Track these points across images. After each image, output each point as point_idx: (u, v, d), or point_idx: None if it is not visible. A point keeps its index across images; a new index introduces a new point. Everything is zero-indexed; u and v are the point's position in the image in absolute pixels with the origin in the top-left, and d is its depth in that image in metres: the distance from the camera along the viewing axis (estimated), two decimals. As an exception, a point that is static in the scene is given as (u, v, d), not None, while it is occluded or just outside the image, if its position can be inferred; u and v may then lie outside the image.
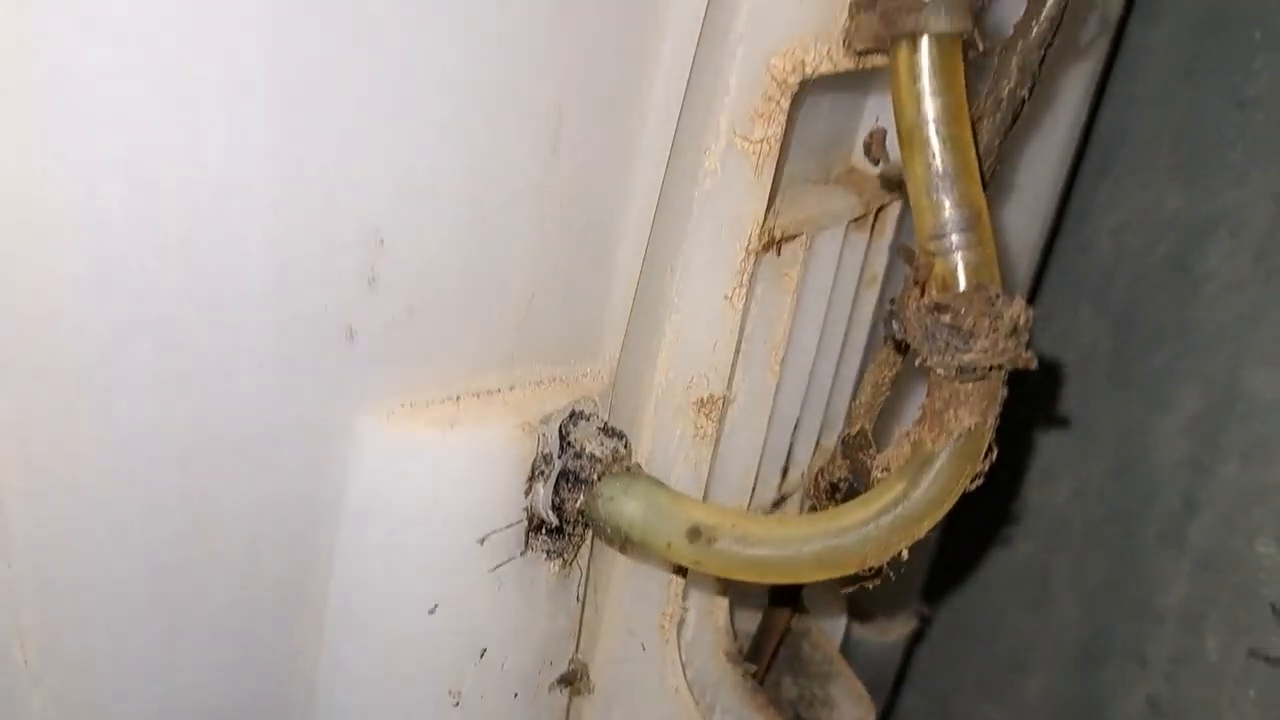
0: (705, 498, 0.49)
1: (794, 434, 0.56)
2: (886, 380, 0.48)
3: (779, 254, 0.48)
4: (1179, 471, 0.68)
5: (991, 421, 0.38)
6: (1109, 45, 0.67)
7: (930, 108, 0.37)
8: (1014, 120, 0.43)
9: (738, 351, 0.47)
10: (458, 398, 0.41)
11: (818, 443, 0.60)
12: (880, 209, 0.54)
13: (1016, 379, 0.38)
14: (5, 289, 0.31)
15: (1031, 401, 0.81)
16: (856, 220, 0.52)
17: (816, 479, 0.49)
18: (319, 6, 0.32)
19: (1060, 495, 0.79)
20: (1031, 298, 0.75)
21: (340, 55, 0.33)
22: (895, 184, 0.47)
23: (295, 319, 0.36)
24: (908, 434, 0.39)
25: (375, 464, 0.39)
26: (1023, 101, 0.42)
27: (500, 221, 0.39)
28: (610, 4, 0.38)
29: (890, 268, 0.58)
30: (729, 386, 0.47)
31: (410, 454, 0.39)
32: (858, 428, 0.48)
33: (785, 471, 0.57)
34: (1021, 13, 0.42)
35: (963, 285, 0.37)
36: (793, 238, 0.48)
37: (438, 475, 0.39)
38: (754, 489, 0.53)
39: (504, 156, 0.38)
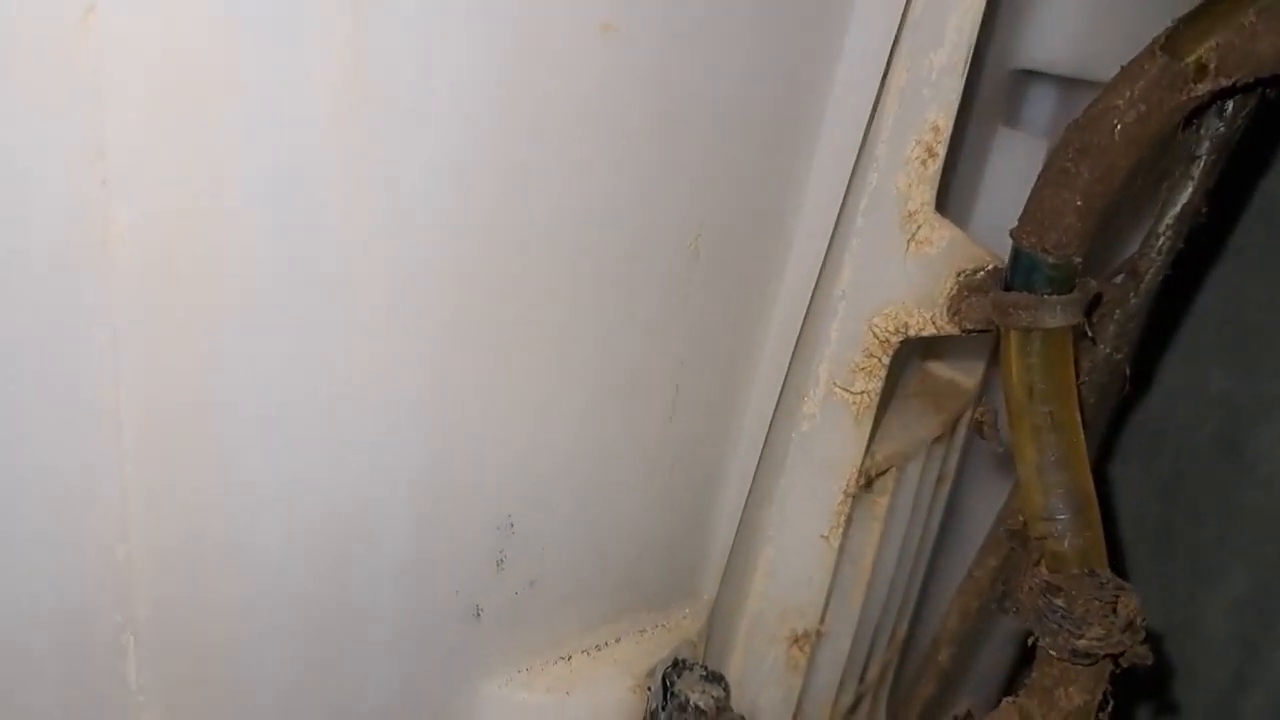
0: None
1: (873, 640, 0.57)
2: (972, 611, 0.50)
3: (871, 489, 0.49)
4: (1229, 649, 0.69)
5: (1098, 699, 0.39)
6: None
7: (1042, 395, 0.39)
8: (1120, 386, 0.44)
9: (832, 587, 0.48)
10: (570, 657, 0.42)
11: (893, 634, 0.60)
12: (955, 422, 0.55)
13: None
14: (175, 610, 0.32)
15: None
16: (938, 438, 0.54)
17: None
18: (472, 328, 0.33)
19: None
20: (1101, 458, 0.77)
21: (488, 365, 0.34)
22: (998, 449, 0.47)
23: (430, 607, 0.37)
24: (1015, 703, 0.40)
25: (497, 732, 0.40)
26: (1120, 365, 0.43)
27: (616, 493, 0.40)
28: (730, 285, 0.40)
29: (963, 463, 0.59)
30: (822, 621, 0.48)
31: (532, 718, 0.40)
32: (940, 654, 0.48)
33: (863, 676, 0.57)
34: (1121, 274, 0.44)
35: (1075, 569, 0.38)
36: (884, 471, 0.49)
37: (558, 742, 0.40)
38: (838, 697, 0.54)
39: (624, 436, 0.39)
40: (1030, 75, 0.53)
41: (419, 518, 0.35)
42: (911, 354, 0.55)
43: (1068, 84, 0.53)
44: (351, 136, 0.28)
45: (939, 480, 0.57)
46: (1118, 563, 0.77)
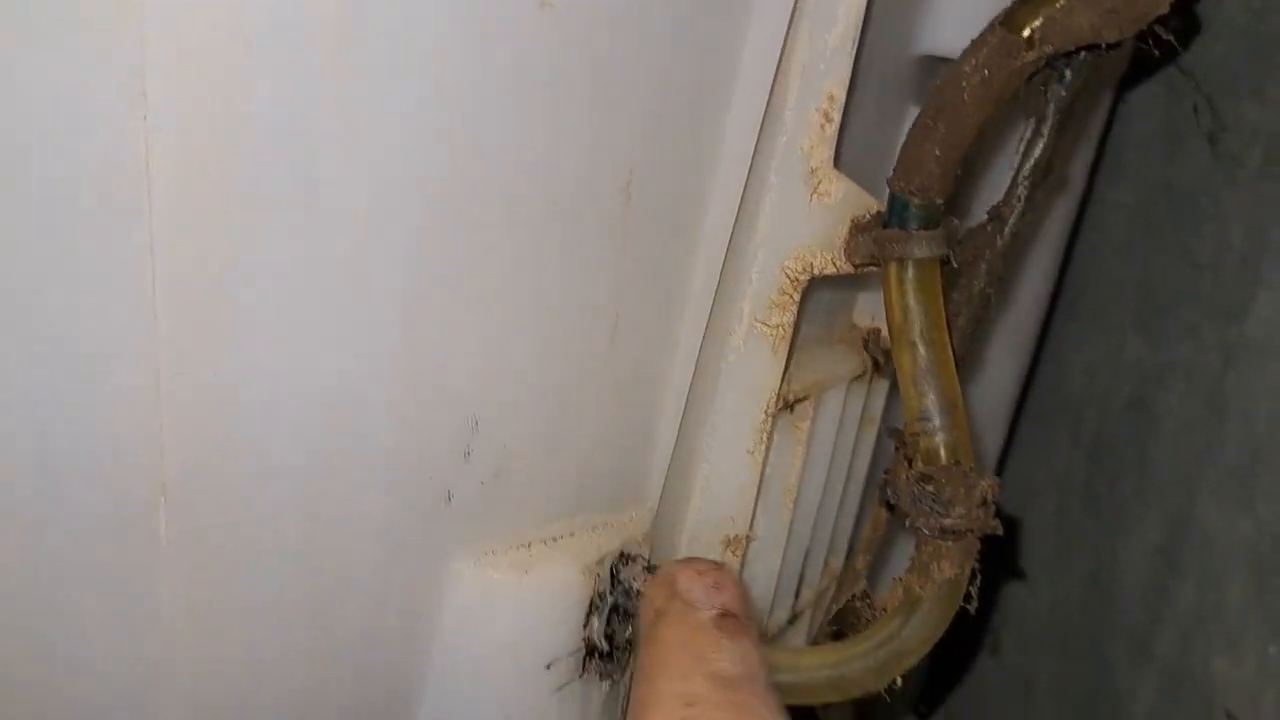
0: (729, 621, 0.57)
1: (805, 559, 0.64)
2: (883, 519, 0.57)
3: (791, 412, 0.56)
4: (1145, 592, 0.76)
5: (968, 573, 0.46)
6: (1077, 203, 0.77)
7: (916, 316, 0.46)
8: (985, 311, 0.52)
9: (758, 497, 0.55)
10: (530, 544, 0.49)
11: (825, 563, 0.68)
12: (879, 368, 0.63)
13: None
14: (199, 476, 0.40)
15: (1014, 518, 0.89)
16: (858, 376, 0.61)
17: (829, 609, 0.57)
18: (439, 245, 0.41)
19: (1042, 606, 0.87)
20: (1013, 427, 0.84)
21: (453, 280, 0.42)
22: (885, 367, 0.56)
23: (406, 486, 0.44)
24: (899, 580, 0.48)
25: (464, 603, 0.47)
26: (989, 297, 0.51)
27: (567, 402, 0.48)
28: (659, 228, 0.48)
29: (887, 409, 0.67)
30: (750, 527, 0.56)
31: (493, 594, 0.47)
32: (858, 560, 0.56)
33: (799, 591, 0.65)
34: (989, 221, 0.52)
35: (943, 461, 0.46)
36: (803, 399, 0.57)
37: (515, 612, 0.48)
38: (771, 610, 0.61)
39: (573, 352, 0.47)
40: (936, 61, 0.61)
41: (397, 408, 0.43)
42: (841, 307, 0.63)
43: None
44: (341, 73, 0.36)
45: (865, 421, 0.65)
46: (1049, 523, 0.85)
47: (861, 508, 0.69)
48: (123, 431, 0.39)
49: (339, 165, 0.37)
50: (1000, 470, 0.88)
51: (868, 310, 0.64)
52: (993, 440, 0.79)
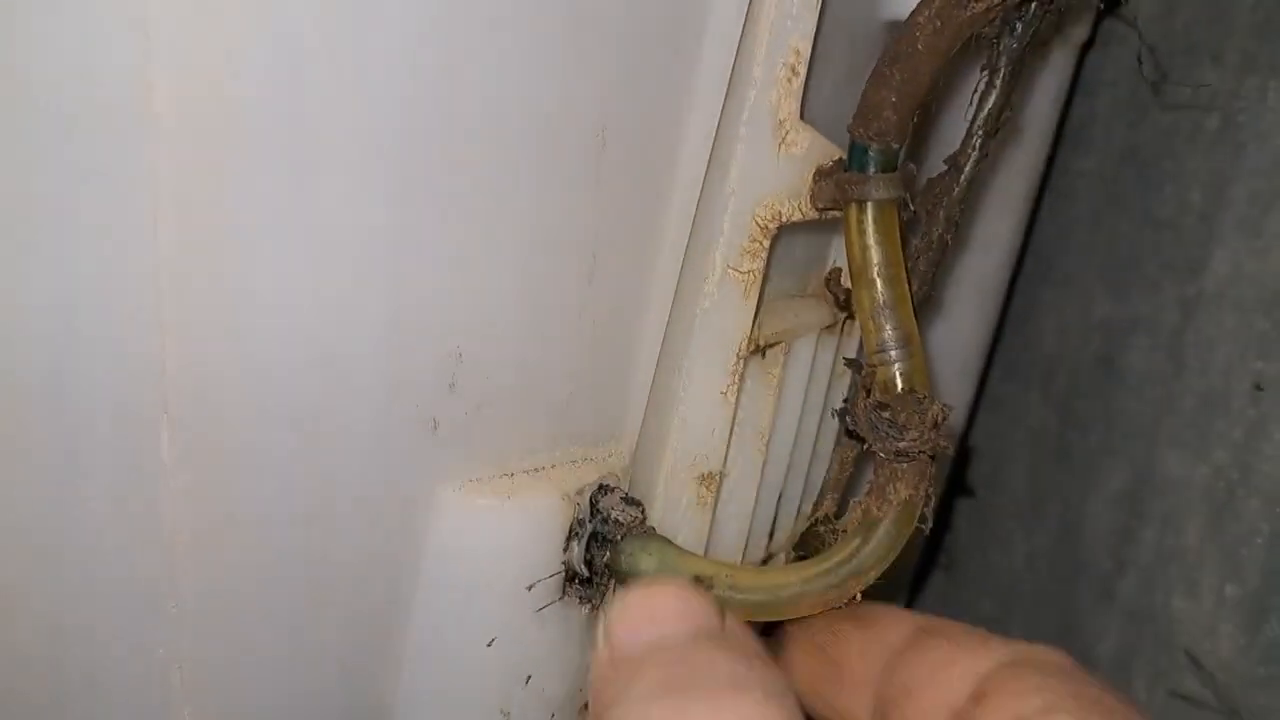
0: (705, 555, 0.60)
1: (778, 504, 0.67)
2: (849, 459, 0.60)
3: (764, 357, 0.59)
4: (1110, 538, 0.79)
5: (923, 493, 0.49)
6: (1043, 169, 0.80)
7: (874, 255, 0.49)
8: (943, 255, 0.55)
9: (731, 436, 0.58)
10: (513, 474, 0.52)
11: (799, 510, 0.71)
12: (848, 317, 0.66)
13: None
14: (200, 397, 0.43)
15: (990, 473, 0.92)
16: (829, 327, 0.64)
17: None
18: (423, 183, 0.44)
19: (1015, 559, 0.90)
20: (983, 382, 0.87)
21: (436, 216, 0.45)
22: (847, 306, 0.59)
23: (395, 414, 0.47)
24: (859, 503, 0.51)
25: (450, 526, 0.50)
26: (947, 242, 0.54)
27: (548, 337, 0.51)
28: (633, 174, 0.51)
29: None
30: (724, 464, 0.59)
31: (477, 518, 0.50)
32: (825, 500, 0.59)
33: (772, 535, 0.68)
34: (947, 171, 0.55)
35: (899, 389, 0.49)
36: (775, 344, 0.60)
37: (498, 535, 0.51)
38: (745, 549, 0.64)
39: (552, 291, 0.50)
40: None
41: (385, 340, 0.46)
42: (814, 264, 0.66)
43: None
44: (332, 20, 0.39)
45: (836, 374, 0.68)
46: (1022, 480, 0.88)
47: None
48: (126, 352, 0.42)
49: (326, 98, 0.40)
50: (973, 429, 0.91)
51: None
52: (962, 389, 0.82)
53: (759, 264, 0.55)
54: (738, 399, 0.57)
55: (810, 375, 0.64)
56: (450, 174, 0.44)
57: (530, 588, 0.52)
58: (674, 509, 0.58)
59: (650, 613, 0.40)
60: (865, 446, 0.49)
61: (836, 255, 0.67)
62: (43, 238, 0.40)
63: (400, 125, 0.42)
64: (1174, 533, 0.74)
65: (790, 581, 0.50)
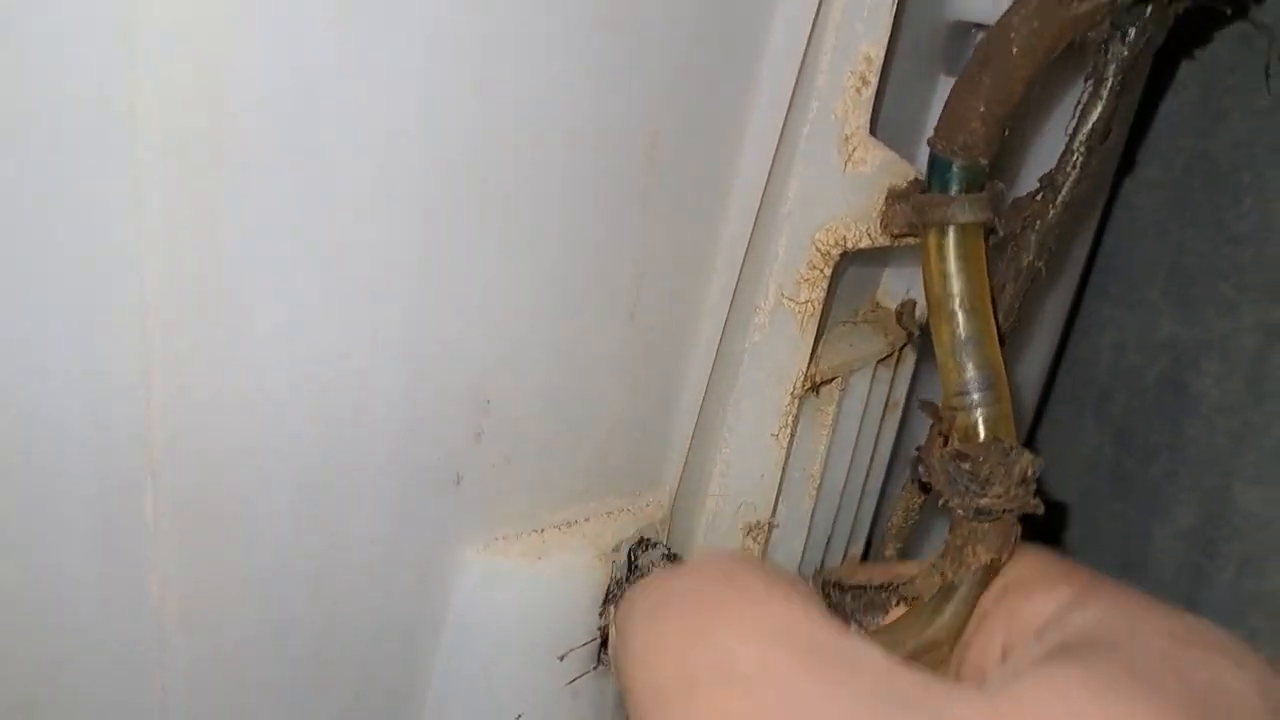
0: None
1: (826, 548, 0.62)
2: (915, 507, 0.54)
3: (818, 395, 0.54)
4: (1180, 575, 0.74)
5: (1006, 557, 0.44)
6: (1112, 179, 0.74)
7: (956, 285, 0.43)
8: (1031, 284, 0.49)
9: (781, 482, 0.53)
10: (543, 530, 0.46)
11: (846, 550, 0.65)
12: (902, 345, 0.60)
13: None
14: (187, 453, 0.37)
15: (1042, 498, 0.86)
16: (884, 359, 0.59)
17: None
18: (450, 217, 0.38)
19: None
20: (1040, 408, 0.81)
21: (464, 253, 0.39)
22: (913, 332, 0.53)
23: (414, 468, 0.42)
24: (934, 565, 0.45)
25: (474, 589, 0.44)
26: (1039, 271, 0.48)
27: (584, 382, 0.45)
28: (683, 194, 0.45)
29: (910, 394, 0.64)
30: (773, 514, 0.53)
31: (505, 581, 0.45)
32: (889, 550, 0.53)
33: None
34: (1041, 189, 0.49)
35: (982, 437, 0.43)
36: (830, 380, 0.54)
37: (528, 599, 0.45)
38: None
39: (590, 329, 0.44)
40: (969, 26, 0.58)
41: (404, 386, 0.40)
42: (866, 286, 0.60)
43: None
44: (344, 33, 0.33)
45: (890, 406, 0.62)
46: (1076, 506, 0.82)
47: (883, 495, 0.66)
48: (106, 399, 0.36)
49: (336, 112, 0.34)
50: (1025, 453, 0.85)
51: (892, 289, 0.62)
52: (1022, 423, 0.76)
53: (818, 294, 0.49)
54: (790, 442, 0.52)
55: (864, 411, 0.58)
56: (481, 203, 0.39)
57: (562, 657, 0.46)
58: (717, 560, 0.53)
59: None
60: (941, 503, 0.43)
61: (891, 280, 0.61)
62: (19, 278, 0.34)
63: (420, 140, 0.37)
64: (1255, 576, 0.68)
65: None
